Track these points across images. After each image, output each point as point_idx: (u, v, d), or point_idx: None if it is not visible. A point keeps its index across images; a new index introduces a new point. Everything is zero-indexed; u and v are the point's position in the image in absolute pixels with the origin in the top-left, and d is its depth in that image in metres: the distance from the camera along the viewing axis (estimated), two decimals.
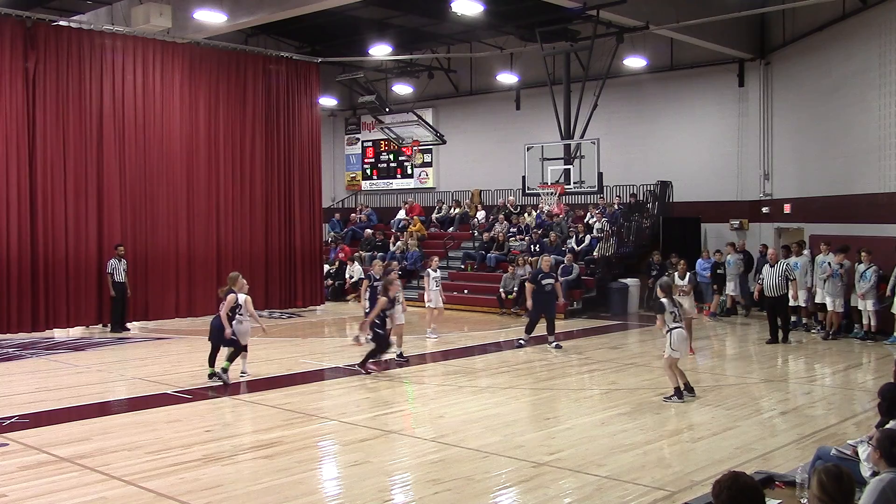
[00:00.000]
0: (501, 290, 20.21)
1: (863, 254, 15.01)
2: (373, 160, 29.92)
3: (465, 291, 21.34)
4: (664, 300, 10.59)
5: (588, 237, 21.40)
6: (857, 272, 15.04)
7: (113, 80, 17.72)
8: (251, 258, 19.89)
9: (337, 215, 28.08)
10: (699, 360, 13.67)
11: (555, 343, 14.51)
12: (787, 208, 20.20)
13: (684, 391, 10.27)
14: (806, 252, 16.72)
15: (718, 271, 19.22)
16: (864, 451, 5.71)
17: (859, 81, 16.82)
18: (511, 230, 23.26)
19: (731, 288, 19.18)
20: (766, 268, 15.59)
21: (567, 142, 19.33)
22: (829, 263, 15.39)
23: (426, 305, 16.14)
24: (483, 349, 15.01)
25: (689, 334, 13.96)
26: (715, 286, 19.26)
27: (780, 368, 13.34)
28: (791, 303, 15.70)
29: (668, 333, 10.26)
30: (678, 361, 10.33)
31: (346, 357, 13.62)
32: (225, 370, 11.41)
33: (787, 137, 20.39)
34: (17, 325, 16.31)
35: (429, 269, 16.13)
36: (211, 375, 11.52)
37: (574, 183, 18.92)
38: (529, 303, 14.76)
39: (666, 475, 7.17)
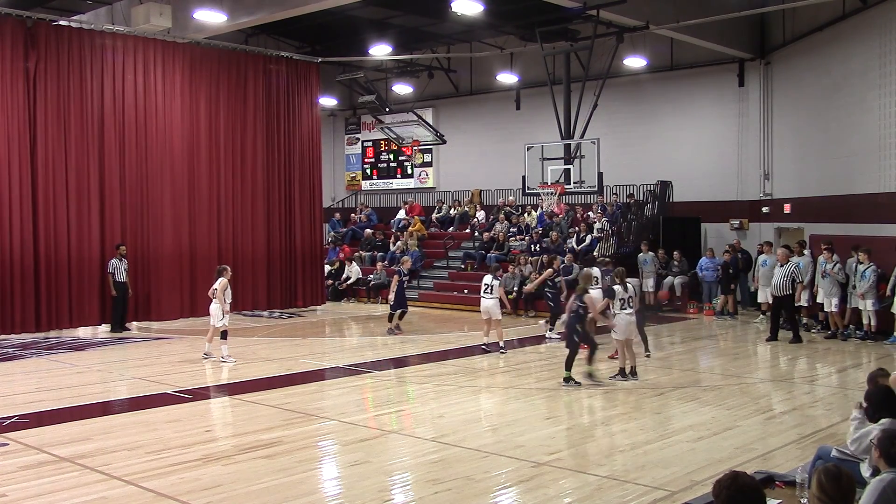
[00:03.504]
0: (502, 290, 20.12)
1: (861, 253, 15.00)
2: (373, 160, 29.90)
3: (465, 291, 21.30)
4: (616, 287, 11.14)
5: (588, 237, 21.39)
6: (857, 272, 15.03)
7: (113, 79, 17.73)
8: (252, 258, 19.92)
9: (337, 215, 28.05)
10: (701, 360, 13.67)
11: (646, 355, 13.54)
12: (787, 208, 20.18)
13: (628, 374, 11.45)
14: (807, 252, 16.71)
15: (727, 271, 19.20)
16: (854, 419, 5.77)
17: (859, 81, 16.82)
18: (511, 230, 23.25)
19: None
20: (776, 268, 15.59)
21: (567, 142, 19.31)
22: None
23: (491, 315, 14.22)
24: (483, 349, 14.98)
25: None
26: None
27: (780, 368, 13.35)
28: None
29: (615, 318, 11.34)
30: (630, 344, 11.54)
31: (346, 357, 13.59)
32: (591, 374, 11.37)
33: (787, 137, 20.38)
34: (20, 325, 16.30)
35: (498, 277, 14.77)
36: (567, 380, 11.20)
37: (574, 183, 18.90)
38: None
39: (666, 475, 7.17)
